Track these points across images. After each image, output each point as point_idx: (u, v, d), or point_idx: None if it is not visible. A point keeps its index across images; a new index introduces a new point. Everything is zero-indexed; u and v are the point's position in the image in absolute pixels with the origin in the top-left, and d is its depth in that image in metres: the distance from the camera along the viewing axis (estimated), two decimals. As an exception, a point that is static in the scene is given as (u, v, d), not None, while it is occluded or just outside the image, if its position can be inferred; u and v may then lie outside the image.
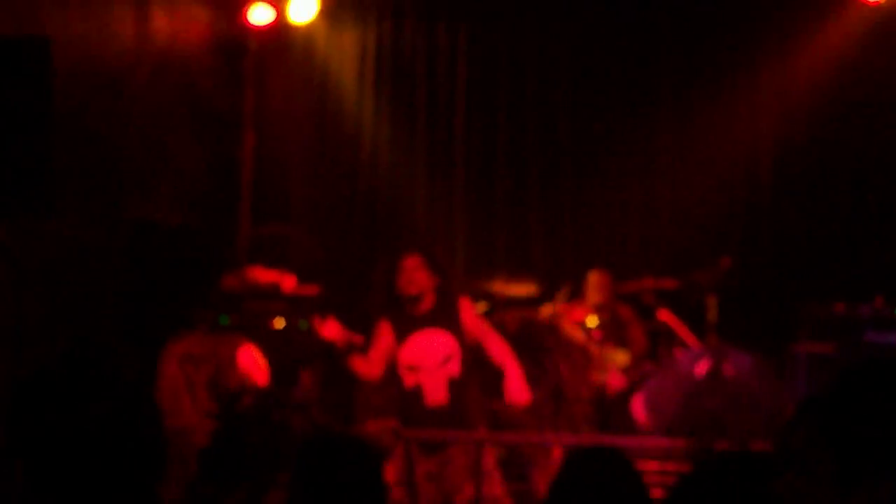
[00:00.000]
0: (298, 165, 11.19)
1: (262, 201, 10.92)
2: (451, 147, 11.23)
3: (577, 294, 9.55)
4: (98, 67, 8.92)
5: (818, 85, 10.44)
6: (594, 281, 9.66)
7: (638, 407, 8.73)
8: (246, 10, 10.43)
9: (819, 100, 10.43)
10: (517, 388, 7.17)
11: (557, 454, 7.92)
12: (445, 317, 7.25)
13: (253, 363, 7.77)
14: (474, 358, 7.37)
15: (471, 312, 7.38)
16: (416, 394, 7.18)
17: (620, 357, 9.18)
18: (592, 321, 9.24)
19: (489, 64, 11.22)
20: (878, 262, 9.90)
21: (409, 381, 7.24)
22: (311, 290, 10.14)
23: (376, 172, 11.26)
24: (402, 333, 7.33)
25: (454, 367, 7.15)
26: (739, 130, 10.76)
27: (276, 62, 11.05)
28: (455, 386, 7.14)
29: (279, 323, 9.74)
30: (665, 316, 9.42)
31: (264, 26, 10.50)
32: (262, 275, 9.96)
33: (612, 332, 9.32)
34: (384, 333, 7.40)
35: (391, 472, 6.94)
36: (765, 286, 10.29)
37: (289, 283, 10.04)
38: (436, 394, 7.15)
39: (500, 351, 7.31)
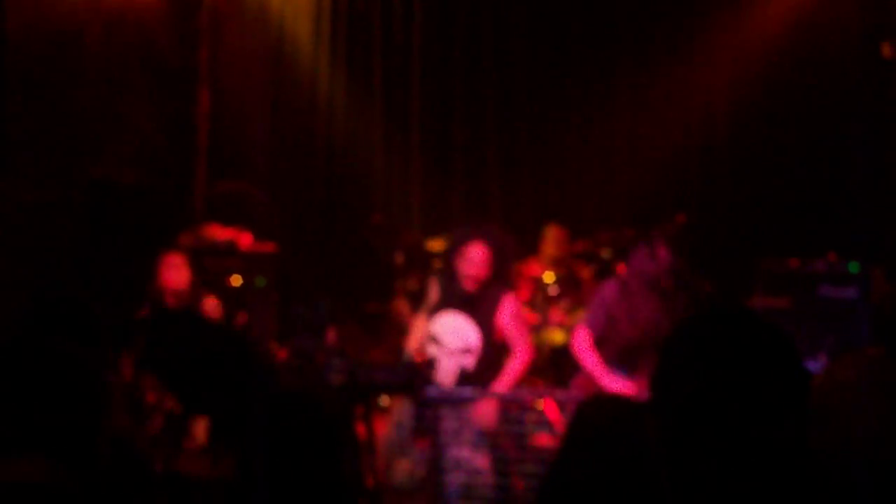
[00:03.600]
0: (254, 122, 11.14)
1: (218, 159, 10.87)
2: (408, 104, 11.22)
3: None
4: (51, 25, 8.83)
5: (773, 42, 10.48)
6: (551, 235, 9.67)
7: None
8: (200, -34, 10.35)
9: (774, 57, 10.47)
10: (485, 412, 7.08)
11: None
12: (482, 309, 7.14)
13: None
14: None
15: (509, 311, 7.20)
16: (430, 365, 7.06)
17: (579, 315, 9.16)
18: (549, 277, 9.25)
19: (445, 20, 11.20)
20: (832, 217, 9.99)
21: (428, 349, 7.17)
22: (268, 247, 10.14)
23: (332, 129, 11.25)
24: (442, 303, 7.26)
25: (470, 361, 7.09)
26: (695, 87, 10.81)
27: (231, 19, 10.98)
28: (464, 378, 7.07)
29: (236, 280, 9.74)
30: (623, 270, 9.46)
31: (219, -19, 10.43)
32: (219, 232, 9.95)
33: (570, 288, 9.34)
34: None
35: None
36: (720, 242, 10.37)
37: (245, 240, 10.04)
38: (445, 376, 7.11)
39: (512, 363, 7.16)
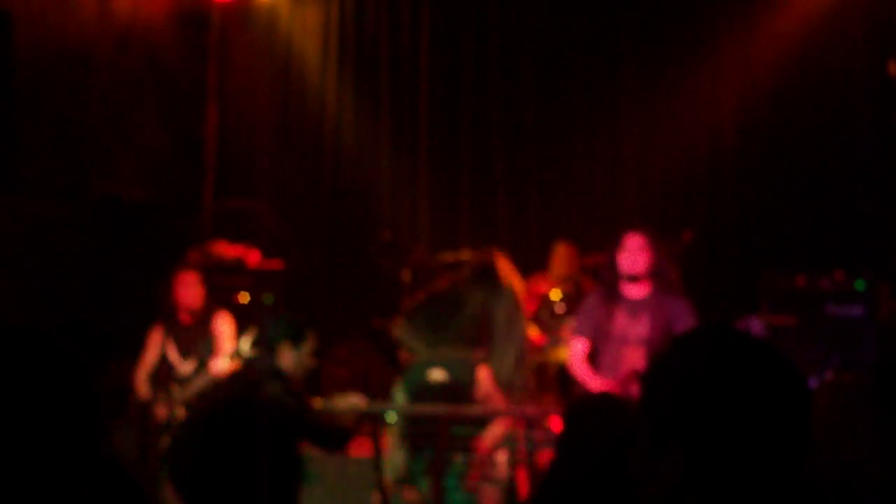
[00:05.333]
0: (262, 140, 11.17)
1: (226, 176, 10.90)
2: (415, 121, 11.23)
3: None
4: (60, 42, 8.88)
5: (780, 60, 10.48)
6: (560, 253, 9.65)
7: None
8: (209, -16, 10.39)
9: (781, 74, 10.48)
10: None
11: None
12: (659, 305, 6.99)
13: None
14: None
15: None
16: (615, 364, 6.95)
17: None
18: (556, 294, 9.23)
19: (452, 38, 11.21)
20: (839, 235, 9.97)
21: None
22: (276, 264, 10.15)
23: (340, 146, 11.26)
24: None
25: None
26: (703, 105, 10.80)
27: (239, 36, 11.02)
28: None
29: (244, 297, 9.75)
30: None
31: (227, 1, 10.45)
32: (227, 249, 9.96)
33: (577, 305, 9.29)
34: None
35: None
36: (727, 259, 10.36)
37: (253, 257, 10.05)
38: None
39: None
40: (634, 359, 6.79)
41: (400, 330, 7.92)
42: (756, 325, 7.22)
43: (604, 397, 3.94)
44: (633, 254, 6.85)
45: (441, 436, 7.17)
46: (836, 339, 8.71)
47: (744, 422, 2.00)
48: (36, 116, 8.55)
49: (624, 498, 3.33)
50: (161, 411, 7.64)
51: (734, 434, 1.99)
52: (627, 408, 3.67)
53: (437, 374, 7.84)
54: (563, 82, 11.06)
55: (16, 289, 8.27)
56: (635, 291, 6.91)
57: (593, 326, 6.99)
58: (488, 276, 7.95)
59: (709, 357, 2.05)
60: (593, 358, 7.08)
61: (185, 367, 7.92)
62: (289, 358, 6.57)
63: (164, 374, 7.94)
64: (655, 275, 6.91)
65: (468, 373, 7.44)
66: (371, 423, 7.78)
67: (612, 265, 6.96)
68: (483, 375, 7.40)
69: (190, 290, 8.06)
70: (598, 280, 7.37)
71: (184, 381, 7.80)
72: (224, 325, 8.09)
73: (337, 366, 10.25)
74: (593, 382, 6.90)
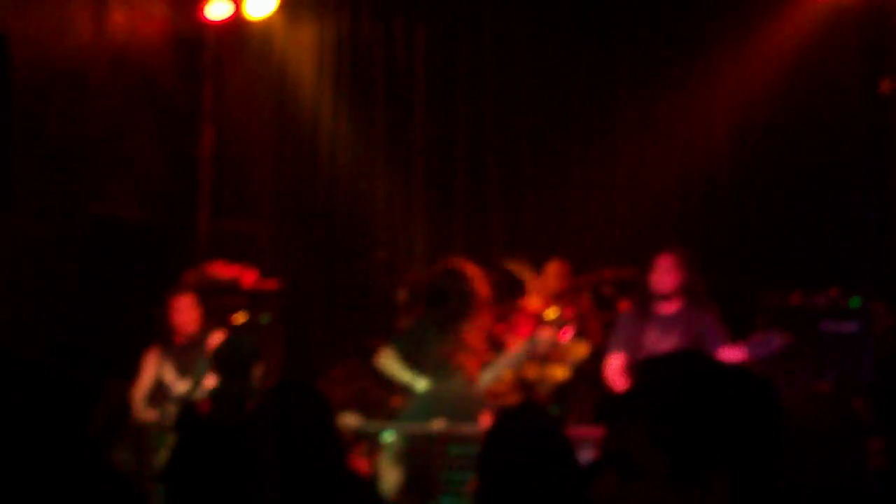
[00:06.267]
0: (258, 160, 11.12)
1: (222, 196, 10.89)
2: (411, 140, 11.24)
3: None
4: (56, 63, 8.92)
5: (773, 77, 10.49)
6: (553, 271, 9.65)
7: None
8: (203, 6, 10.39)
9: (775, 91, 10.48)
10: None
11: None
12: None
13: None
14: None
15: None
16: None
17: (580, 349, 9.13)
18: (551, 313, 9.21)
19: (447, 56, 11.25)
20: (834, 252, 9.97)
21: None
22: (272, 284, 10.14)
23: (336, 166, 11.27)
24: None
25: None
26: (696, 122, 10.82)
27: (234, 57, 11.01)
28: None
29: (240, 318, 9.75)
30: (625, 307, 9.42)
31: (222, 21, 10.46)
32: (223, 270, 9.96)
33: (571, 323, 9.29)
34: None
35: None
36: (722, 276, 10.35)
37: (249, 277, 10.04)
38: None
39: None
40: None
41: (387, 361, 7.86)
42: (776, 339, 7.41)
43: (526, 408, 3.95)
44: (664, 274, 7.23)
45: (438, 455, 7.21)
46: (831, 355, 8.73)
47: (717, 440, 2.04)
48: (32, 137, 8.57)
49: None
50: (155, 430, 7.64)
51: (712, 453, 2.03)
52: (550, 419, 3.80)
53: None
54: (559, 102, 11.08)
55: (11, 309, 8.28)
56: (666, 308, 7.30)
57: (627, 342, 7.33)
58: (439, 299, 7.83)
59: (679, 381, 2.10)
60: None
61: (181, 386, 7.92)
62: (258, 377, 6.61)
63: (160, 396, 7.95)
64: (686, 291, 7.25)
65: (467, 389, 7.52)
66: (368, 442, 7.80)
67: (643, 284, 7.34)
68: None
69: (185, 314, 8.12)
70: (632, 297, 7.79)
71: (179, 400, 7.77)
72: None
73: (333, 386, 10.23)
74: None
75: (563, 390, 8.97)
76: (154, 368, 8.08)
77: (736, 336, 7.50)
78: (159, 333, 8.16)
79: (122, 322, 8.99)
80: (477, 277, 7.68)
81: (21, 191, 8.42)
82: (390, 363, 7.73)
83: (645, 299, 7.37)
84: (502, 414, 3.95)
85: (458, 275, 7.63)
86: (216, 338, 8.03)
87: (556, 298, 9.39)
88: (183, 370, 7.99)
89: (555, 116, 11.07)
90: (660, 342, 7.21)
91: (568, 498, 3.49)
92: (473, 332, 7.55)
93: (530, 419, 3.72)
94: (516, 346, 7.82)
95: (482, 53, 11.20)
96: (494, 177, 11.17)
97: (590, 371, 8.84)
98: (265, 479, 3.52)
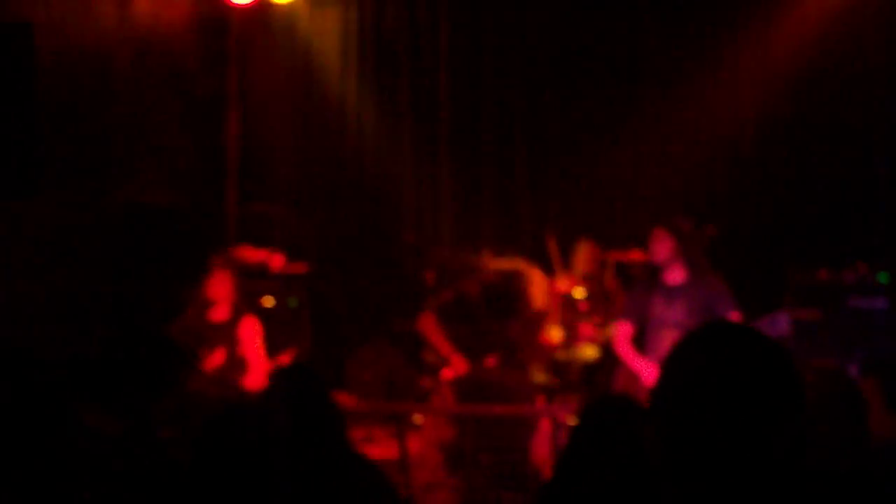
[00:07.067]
0: (283, 143, 11.16)
1: (248, 180, 10.89)
2: (437, 122, 11.22)
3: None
4: (81, 51, 8.92)
5: (800, 55, 10.44)
6: (582, 251, 9.62)
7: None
8: (227, -10, 10.39)
9: (801, 69, 10.42)
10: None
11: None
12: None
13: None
14: None
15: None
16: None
17: (610, 330, 9.08)
18: (579, 293, 9.21)
19: (472, 38, 11.19)
20: (862, 228, 9.92)
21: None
22: (300, 268, 10.15)
23: (362, 149, 11.27)
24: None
25: None
26: (723, 100, 10.76)
27: (258, 41, 11.02)
28: None
29: (269, 301, 9.75)
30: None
31: (246, 5, 10.45)
32: (251, 254, 9.96)
33: (599, 303, 9.29)
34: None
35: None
36: (750, 254, 10.31)
37: (277, 261, 10.06)
38: None
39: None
40: (671, 341, 6.94)
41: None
42: (782, 321, 7.58)
43: (621, 399, 3.90)
44: (655, 244, 7.63)
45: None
46: (859, 332, 8.69)
47: (741, 415, 2.06)
48: (58, 124, 8.58)
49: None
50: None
51: (733, 427, 2.05)
52: (643, 410, 3.65)
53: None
54: (585, 82, 11.02)
55: (40, 296, 8.32)
56: (671, 278, 7.60)
57: (636, 311, 7.67)
58: (501, 302, 8.29)
59: (704, 355, 2.13)
60: (639, 341, 7.67)
61: (206, 365, 7.92)
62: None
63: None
64: (688, 262, 7.60)
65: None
66: (396, 424, 7.81)
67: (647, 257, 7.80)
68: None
69: (220, 289, 8.04)
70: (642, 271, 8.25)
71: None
72: (250, 330, 8.05)
73: (361, 368, 10.24)
74: (634, 363, 7.53)
75: (592, 370, 8.97)
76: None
77: (761, 312, 7.69)
78: (188, 312, 8.15)
79: (150, 308, 8.99)
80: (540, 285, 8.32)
81: (48, 179, 8.44)
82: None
83: (652, 271, 7.73)
84: (589, 405, 3.93)
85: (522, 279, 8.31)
86: (246, 322, 8.04)
87: (585, 279, 9.38)
88: (207, 349, 7.95)
89: (581, 97, 11.01)
90: (665, 311, 7.53)
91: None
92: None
93: (616, 410, 3.68)
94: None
95: (507, 33, 11.15)
96: (522, 158, 11.13)
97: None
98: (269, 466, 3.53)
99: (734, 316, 7.34)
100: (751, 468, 2.05)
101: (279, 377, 4.33)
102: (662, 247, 7.59)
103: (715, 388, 2.07)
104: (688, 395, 2.09)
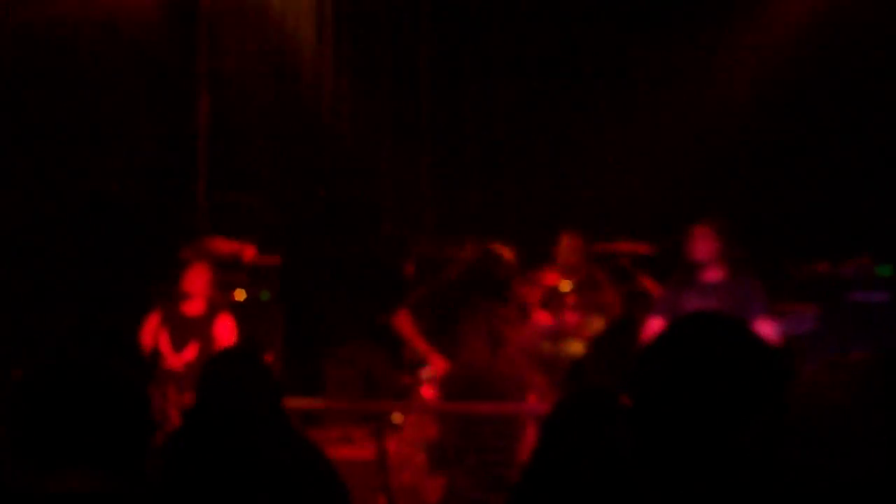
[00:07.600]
0: (257, 130, 10.93)
1: (220, 169, 10.69)
2: (417, 107, 11.01)
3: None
4: (43, 32, 8.76)
5: (797, 42, 10.38)
6: (566, 243, 9.47)
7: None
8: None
9: (799, 58, 10.32)
10: None
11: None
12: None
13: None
14: None
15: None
16: None
17: (596, 323, 8.98)
18: (565, 286, 9.04)
19: (454, 19, 10.99)
20: (861, 221, 9.85)
21: None
22: (273, 260, 10.00)
23: (338, 136, 11.05)
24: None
25: None
26: (718, 89, 10.66)
27: (229, 22, 10.77)
28: None
29: (240, 294, 9.69)
30: (646, 281, 9.28)
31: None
32: (222, 245, 9.88)
33: (586, 295, 9.13)
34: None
35: None
36: (747, 247, 10.21)
37: (249, 252, 9.91)
38: None
39: None
40: None
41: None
42: (808, 317, 7.83)
43: (603, 396, 3.76)
44: (700, 241, 7.55)
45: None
46: (860, 325, 8.74)
47: (718, 407, 2.10)
48: (21, 111, 8.49)
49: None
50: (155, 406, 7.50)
51: (710, 419, 2.10)
52: (621, 404, 3.66)
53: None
54: (572, 69, 10.87)
55: (8, 289, 8.26)
56: (709, 276, 7.56)
57: (668, 308, 7.55)
58: (483, 284, 7.99)
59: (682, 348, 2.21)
60: None
61: (177, 360, 7.88)
62: None
63: (156, 367, 7.91)
64: (728, 261, 7.55)
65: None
66: (375, 423, 7.64)
67: (684, 253, 7.70)
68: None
69: (197, 282, 8.01)
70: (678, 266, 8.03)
71: (176, 377, 7.70)
72: (225, 329, 8.02)
73: (340, 365, 10.09)
74: None
75: (579, 365, 8.83)
76: (151, 336, 8.01)
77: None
78: (163, 300, 8.12)
79: (119, 298, 8.89)
80: (513, 262, 8.03)
81: (12, 168, 8.39)
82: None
83: (688, 268, 7.64)
84: (563, 400, 3.81)
85: (499, 259, 7.97)
86: (222, 319, 8.03)
87: (570, 271, 9.23)
88: (180, 344, 7.93)
89: (567, 84, 10.87)
90: (699, 308, 7.24)
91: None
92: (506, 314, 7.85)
93: (591, 405, 3.60)
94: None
95: (491, 10, 10.99)
96: (506, 145, 11.02)
97: (606, 345, 8.85)
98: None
99: (763, 321, 7.24)
100: (725, 462, 2.08)
101: (214, 362, 4.24)
102: (705, 245, 7.53)
103: (691, 382, 2.12)
104: (663, 389, 2.15)
